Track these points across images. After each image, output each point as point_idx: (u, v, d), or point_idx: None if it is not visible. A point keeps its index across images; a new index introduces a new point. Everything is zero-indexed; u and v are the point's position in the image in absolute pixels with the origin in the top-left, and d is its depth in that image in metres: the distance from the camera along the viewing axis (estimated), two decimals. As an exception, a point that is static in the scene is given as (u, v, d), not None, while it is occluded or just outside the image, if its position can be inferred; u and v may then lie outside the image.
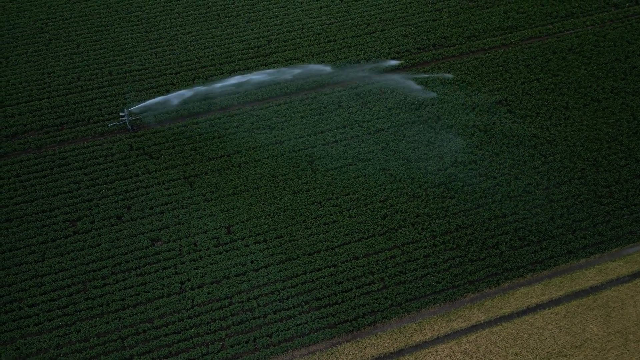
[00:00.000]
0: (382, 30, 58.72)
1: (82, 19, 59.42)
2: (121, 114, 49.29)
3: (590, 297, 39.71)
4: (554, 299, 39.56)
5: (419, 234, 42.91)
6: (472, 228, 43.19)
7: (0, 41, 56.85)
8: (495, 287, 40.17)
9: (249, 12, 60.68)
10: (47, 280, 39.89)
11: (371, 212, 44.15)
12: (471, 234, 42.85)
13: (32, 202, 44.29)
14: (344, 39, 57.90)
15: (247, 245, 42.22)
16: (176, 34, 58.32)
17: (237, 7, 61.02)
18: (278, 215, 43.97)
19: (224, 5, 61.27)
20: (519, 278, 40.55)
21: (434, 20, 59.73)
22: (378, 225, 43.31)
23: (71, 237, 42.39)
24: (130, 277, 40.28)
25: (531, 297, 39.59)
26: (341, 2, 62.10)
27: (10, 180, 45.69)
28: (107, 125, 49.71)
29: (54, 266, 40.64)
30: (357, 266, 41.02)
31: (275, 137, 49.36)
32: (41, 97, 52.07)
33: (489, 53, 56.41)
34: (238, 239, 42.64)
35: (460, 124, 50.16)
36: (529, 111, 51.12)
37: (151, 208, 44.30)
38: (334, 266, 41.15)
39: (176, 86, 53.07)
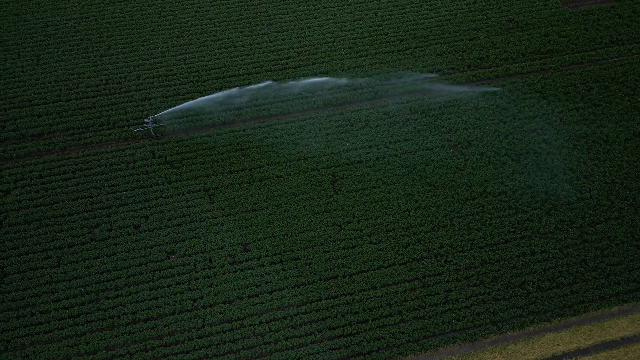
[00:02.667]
0: (415, 48, 56.94)
1: (114, 20, 59.42)
2: (145, 120, 48.87)
3: (621, 349, 37.28)
4: (581, 348, 37.29)
5: (442, 266, 41.12)
6: (498, 264, 41.18)
7: (33, 38, 57.27)
8: (519, 330, 38.11)
9: (281, 22, 59.70)
10: (61, 287, 39.62)
11: (393, 239, 42.57)
12: (497, 271, 40.85)
13: (52, 205, 44.18)
14: (375, 54, 56.37)
15: (262, 266, 41.17)
16: (206, 41, 57.74)
17: (269, 16, 60.11)
18: (296, 236, 42.79)
19: (256, 14, 60.45)
20: (546, 322, 38.38)
21: (470, 40, 57.65)
22: (399, 254, 41.70)
23: (88, 244, 42.08)
24: (143, 290, 39.69)
25: (557, 344, 37.39)
26: (375, 15, 60.57)
27: (32, 181, 45.72)
28: (132, 130, 49.38)
29: (68, 273, 40.37)
30: (375, 296, 39.52)
31: (298, 153, 48.20)
32: (69, 98, 52.14)
33: (526, 77, 54.04)
34: (254, 258, 41.62)
35: (491, 151, 48.09)
36: (566, 142, 48.65)
37: (169, 219, 43.69)
38: (351, 294, 39.73)
39: (203, 94, 52.42)
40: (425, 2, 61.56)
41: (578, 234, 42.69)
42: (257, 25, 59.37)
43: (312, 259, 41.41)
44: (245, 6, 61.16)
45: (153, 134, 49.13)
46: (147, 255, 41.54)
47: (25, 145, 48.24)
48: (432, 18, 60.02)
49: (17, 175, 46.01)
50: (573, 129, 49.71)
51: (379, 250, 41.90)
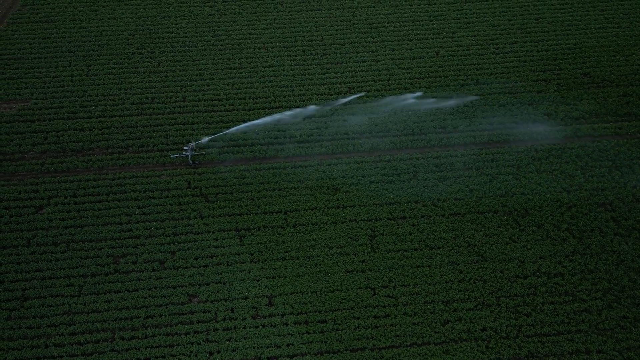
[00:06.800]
0: (477, 95, 52.77)
1: (168, 36, 58.48)
2: (185, 147, 47.24)
3: None
4: None
5: (482, 353, 37.07)
6: None
7: (86, 47, 57.05)
8: None
9: (336, 53, 56.99)
10: (78, 319, 38.30)
11: (430, 313, 38.88)
12: (544, 367, 36.46)
13: (81, 228, 43.15)
14: (433, 98, 52.62)
15: (286, 324, 38.44)
16: (257, 66, 55.78)
17: (324, 46, 57.52)
18: (325, 295, 39.83)
19: (311, 41, 58.03)
20: None
21: (538, 92, 52.98)
22: (436, 332, 37.97)
23: (111, 275, 40.69)
24: (160, 335, 37.76)
25: None
26: (436, 54, 56.82)
27: (66, 199, 44.92)
28: (170, 155, 47.90)
29: (88, 305, 39.03)
30: (404, 378, 36.02)
31: (337, 200, 45.25)
32: (113, 114, 51.32)
33: (598, 142, 48.93)
34: (278, 314, 38.96)
35: (551, 224, 43.48)
36: (638, 223, 43.40)
37: (195, 258, 41.71)
38: (377, 372, 36.40)
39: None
40: (493, 45, 57.30)
41: (643, 335, 37.63)
42: (311, 54, 56.91)
43: (339, 325, 38.31)
44: (301, 32, 58.90)
45: (191, 162, 47.46)
46: (169, 296, 39.67)
47: (64, 160, 47.61)
48: (498, 64, 55.69)
49: (52, 192, 45.36)
50: (647, 208, 44.37)
51: (413, 324, 38.31)
